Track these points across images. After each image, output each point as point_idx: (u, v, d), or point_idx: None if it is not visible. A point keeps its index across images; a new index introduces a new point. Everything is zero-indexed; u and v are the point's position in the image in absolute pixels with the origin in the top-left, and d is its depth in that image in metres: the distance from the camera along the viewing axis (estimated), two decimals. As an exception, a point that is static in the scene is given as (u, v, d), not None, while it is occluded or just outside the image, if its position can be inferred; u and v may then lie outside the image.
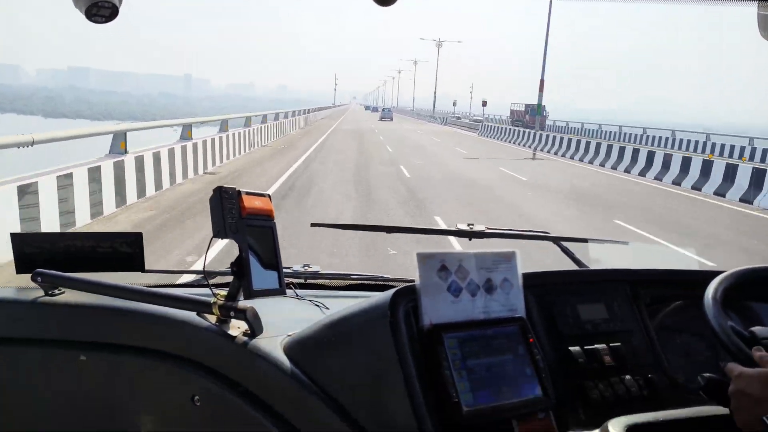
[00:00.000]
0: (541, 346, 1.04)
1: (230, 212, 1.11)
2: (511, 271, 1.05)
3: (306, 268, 1.66)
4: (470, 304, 1.00)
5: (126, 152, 8.70)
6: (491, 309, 1.02)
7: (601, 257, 1.62)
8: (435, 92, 78.78)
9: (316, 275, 1.64)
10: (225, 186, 1.13)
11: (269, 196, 1.22)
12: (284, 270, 1.34)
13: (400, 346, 0.94)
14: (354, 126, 40.07)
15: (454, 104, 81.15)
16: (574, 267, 1.60)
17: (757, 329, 1.05)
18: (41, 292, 1.29)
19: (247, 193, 1.15)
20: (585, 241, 1.67)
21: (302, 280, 1.62)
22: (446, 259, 1.00)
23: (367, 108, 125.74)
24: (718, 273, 1.14)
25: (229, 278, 1.45)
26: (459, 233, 1.65)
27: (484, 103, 53.29)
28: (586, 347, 1.08)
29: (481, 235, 1.65)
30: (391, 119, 62.51)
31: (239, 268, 1.12)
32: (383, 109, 72.87)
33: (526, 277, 1.07)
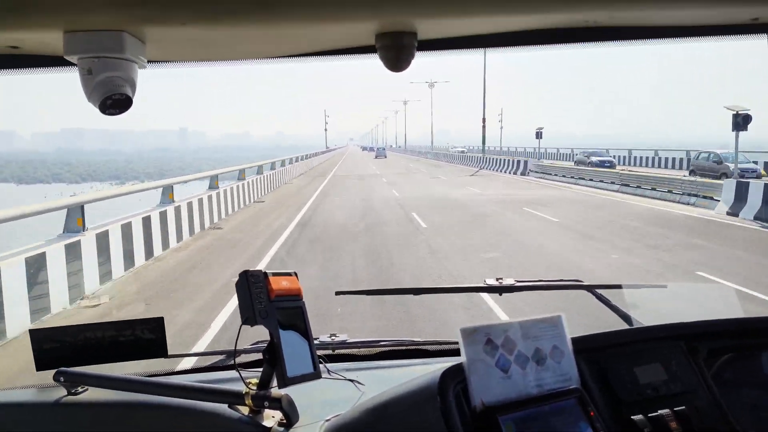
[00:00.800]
0: (601, 417, 0.97)
1: (258, 297, 1.07)
2: (559, 337, 1.00)
3: (333, 338, 1.60)
4: (521, 378, 0.94)
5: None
6: (544, 382, 0.96)
7: (638, 303, 1.55)
8: (484, 115, 43.22)
9: (344, 345, 1.58)
10: (251, 270, 1.08)
11: (296, 273, 1.17)
12: None
13: None
14: (358, 204, 16.81)
15: (539, 135, 39.49)
16: (613, 316, 1.53)
17: None
18: (64, 392, 1.24)
19: (274, 274, 1.11)
20: (619, 287, 1.61)
21: (330, 351, 1.56)
22: (491, 331, 0.95)
23: (364, 149, 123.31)
24: None
25: (258, 355, 1.39)
26: (489, 289, 1.60)
27: (742, 123, 15.57)
28: (649, 414, 1.01)
29: (511, 289, 1.59)
30: (386, 156, 61.21)
31: (272, 355, 1.06)
32: (377, 149, 73.08)
33: (575, 341, 1.01)
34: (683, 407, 1.03)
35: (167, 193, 11.16)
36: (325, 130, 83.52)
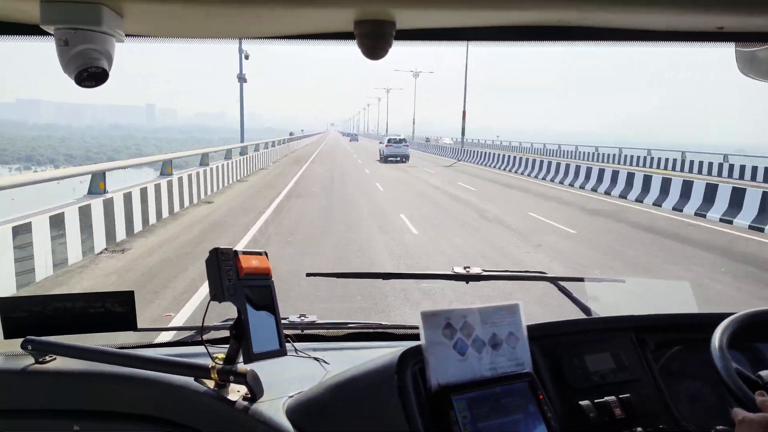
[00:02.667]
0: (550, 401, 1.02)
1: (227, 274, 1.09)
2: (515, 324, 1.04)
3: (302, 318, 1.63)
4: (477, 361, 0.99)
5: None
6: (498, 365, 1.00)
7: (598, 296, 1.61)
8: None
9: (313, 325, 1.61)
10: (221, 247, 1.11)
11: (266, 253, 1.20)
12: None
13: (409, 410, 0.91)
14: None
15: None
16: (573, 307, 1.59)
17: (764, 373, 1.05)
18: (31, 360, 1.25)
19: (244, 253, 1.13)
20: (581, 280, 1.67)
21: (299, 331, 1.59)
22: (451, 316, 0.99)
23: (344, 135, 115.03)
24: (722, 316, 1.14)
25: (226, 332, 1.41)
26: (456, 277, 1.64)
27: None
28: (595, 401, 1.07)
29: (478, 278, 1.64)
30: (357, 140, 65.44)
31: (238, 331, 1.09)
32: (351, 134, 79.71)
33: (531, 328, 1.06)
34: (628, 395, 1.09)
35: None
36: (241, 83, 27.11)
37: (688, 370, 1.21)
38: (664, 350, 1.23)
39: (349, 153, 40.90)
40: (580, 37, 1.06)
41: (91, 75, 0.93)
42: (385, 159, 31.43)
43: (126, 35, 0.99)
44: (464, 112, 40.41)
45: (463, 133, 41.27)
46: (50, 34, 0.91)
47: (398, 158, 31.41)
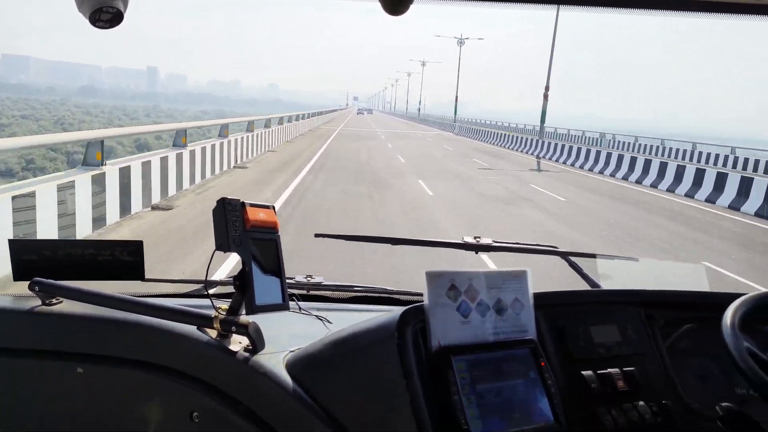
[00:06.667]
0: (552, 369, 1.01)
1: (234, 225, 1.08)
2: (521, 291, 1.02)
3: (309, 278, 1.63)
4: (480, 325, 0.97)
5: None
6: (501, 330, 0.99)
7: (610, 273, 1.59)
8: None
9: (318, 286, 1.61)
10: (228, 197, 1.10)
11: (273, 207, 1.19)
12: (287, 281, 1.31)
13: (408, 368, 0.91)
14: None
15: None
16: (582, 283, 1.57)
17: None
18: (38, 302, 1.26)
19: (251, 205, 1.12)
20: (593, 256, 1.64)
21: (304, 292, 1.59)
22: (456, 278, 0.97)
23: (359, 112, 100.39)
24: (734, 296, 1.11)
25: (231, 288, 1.42)
26: (466, 246, 1.62)
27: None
28: (598, 371, 1.05)
29: (487, 248, 1.61)
30: (370, 113, 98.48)
31: (242, 282, 1.09)
32: (361, 108, 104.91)
33: (537, 297, 1.04)
34: (632, 368, 1.08)
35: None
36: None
37: (697, 348, 1.19)
38: (674, 328, 1.21)
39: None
40: (644, 4, 0.98)
41: (106, 15, 0.91)
42: (357, 113, 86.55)
43: None
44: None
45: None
46: None
47: (363, 113, 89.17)
